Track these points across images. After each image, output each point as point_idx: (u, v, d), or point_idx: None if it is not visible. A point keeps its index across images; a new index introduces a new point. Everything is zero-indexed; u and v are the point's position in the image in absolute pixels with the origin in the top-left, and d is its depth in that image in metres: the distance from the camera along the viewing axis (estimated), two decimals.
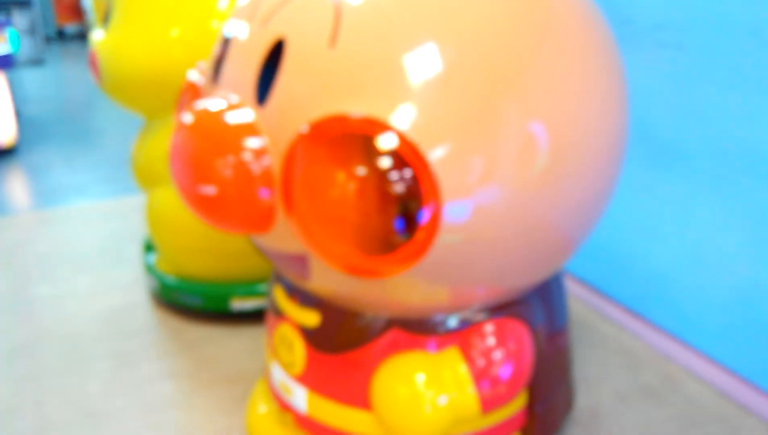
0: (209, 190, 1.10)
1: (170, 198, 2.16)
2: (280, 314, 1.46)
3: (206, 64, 1.39)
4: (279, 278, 1.49)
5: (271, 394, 1.59)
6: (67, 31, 8.79)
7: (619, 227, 2.14)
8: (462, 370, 1.25)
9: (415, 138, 0.95)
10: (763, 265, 1.72)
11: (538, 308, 1.40)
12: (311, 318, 1.37)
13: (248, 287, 2.19)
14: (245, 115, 1.12)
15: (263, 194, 1.09)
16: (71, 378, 2.00)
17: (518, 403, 1.43)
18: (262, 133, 1.09)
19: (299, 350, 1.40)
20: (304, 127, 1.01)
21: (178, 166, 1.18)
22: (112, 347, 2.15)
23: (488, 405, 1.27)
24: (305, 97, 1.04)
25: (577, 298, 2.42)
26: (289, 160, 1.04)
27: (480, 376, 1.25)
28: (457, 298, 1.22)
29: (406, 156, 0.97)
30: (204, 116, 1.15)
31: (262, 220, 1.13)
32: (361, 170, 1.05)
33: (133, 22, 2.03)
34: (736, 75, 1.69)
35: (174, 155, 1.19)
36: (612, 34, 1.27)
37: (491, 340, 1.28)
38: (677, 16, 1.83)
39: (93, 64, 2.12)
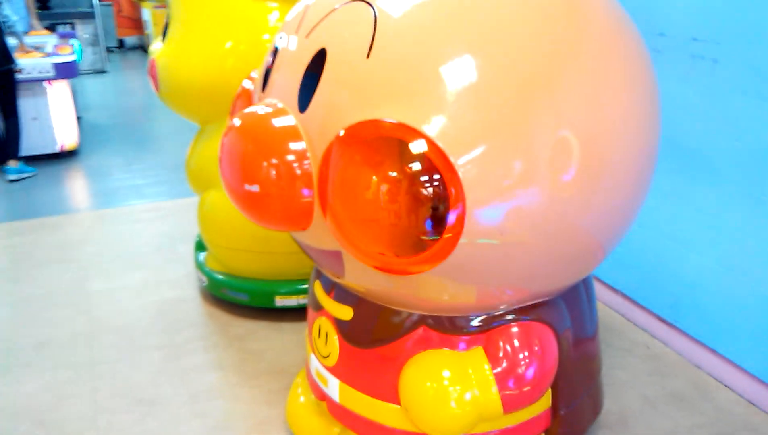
0: (254, 188, 1.20)
1: (220, 200, 2.29)
2: (318, 308, 1.55)
3: (258, 73, 1.49)
4: (319, 274, 1.58)
5: (309, 383, 1.68)
6: (128, 43, 9.20)
7: (649, 235, 2.17)
8: (486, 369, 1.30)
9: (443, 144, 1.03)
10: None
11: (565, 313, 1.44)
12: (345, 312, 1.45)
13: (291, 285, 2.30)
14: (288, 120, 1.21)
15: (303, 194, 1.18)
16: (123, 367, 2.13)
17: (543, 405, 1.47)
18: (304, 137, 1.18)
19: (334, 342, 1.48)
20: (339, 131, 1.10)
21: (226, 166, 1.28)
22: (163, 339, 2.28)
23: (510, 405, 1.33)
24: (342, 104, 1.13)
25: (607, 304, 2.45)
26: (325, 161, 1.13)
27: (503, 376, 1.31)
28: (484, 298, 1.29)
29: (434, 161, 1.04)
30: (251, 120, 1.25)
31: (302, 218, 1.22)
32: (394, 173, 1.11)
33: (190, 35, 2.16)
34: None
35: (222, 155, 1.29)
36: (645, 47, 1.31)
37: (516, 342, 1.33)
38: (711, 30, 1.86)
39: (152, 73, 2.26)
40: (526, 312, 1.36)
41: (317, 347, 1.54)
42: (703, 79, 1.91)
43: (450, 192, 1.05)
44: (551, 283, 1.34)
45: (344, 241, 1.14)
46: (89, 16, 7.92)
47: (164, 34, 2.28)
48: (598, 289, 2.46)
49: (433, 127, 1.04)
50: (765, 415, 1.86)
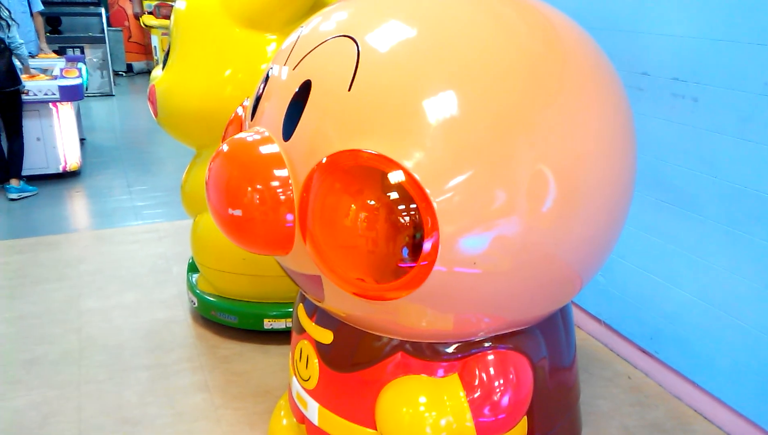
0: (237, 212, 1.24)
1: (213, 223, 2.31)
2: (301, 331, 1.57)
3: (249, 101, 1.54)
4: (303, 297, 1.61)
5: (290, 406, 1.70)
6: (136, 67, 9.37)
7: (632, 268, 2.21)
8: (461, 397, 1.32)
9: (419, 175, 1.07)
10: None
11: (541, 342, 1.46)
12: (326, 336, 1.48)
13: (280, 308, 2.33)
14: (272, 147, 1.25)
15: (285, 219, 1.22)
16: (111, 386, 2.16)
17: (518, 433, 1.46)
18: (287, 165, 1.23)
19: (314, 365, 1.51)
20: (321, 159, 1.14)
21: (212, 190, 1.32)
22: (151, 359, 2.31)
23: (484, 433, 1.34)
24: (324, 133, 1.18)
25: (591, 334, 2.47)
26: (306, 188, 1.17)
27: (478, 404, 1.33)
28: (461, 325, 1.31)
29: (410, 191, 1.08)
30: (237, 146, 1.30)
31: (283, 242, 1.26)
32: (372, 202, 1.15)
33: (189, 63, 2.23)
34: (748, 126, 1.76)
35: (209, 180, 1.33)
36: (621, 84, 1.36)
37: (491, 370, 1.35)
38: (692, 70, 1.92)
39: (151, 99, 2.33)
40: (502, 340, 1.38)
41: (298, 370, 1.57)
42: (683, 117, 1.96)
43: (425, 221, 1.08)
44: (528, 312, 1.36)
45: (322, 266, 1.18)
46: (99, 40, 8.08)
47: (165, 61, 2.35)
48: (583, 319, 2.49)
49: (410, 158, 1.09)
50: None
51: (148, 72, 9.52)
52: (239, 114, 1.59)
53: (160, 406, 2.05)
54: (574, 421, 1.67)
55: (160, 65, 2.39)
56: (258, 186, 1.23)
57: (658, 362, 2.16)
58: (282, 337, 2.36)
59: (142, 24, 9.08)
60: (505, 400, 1.34)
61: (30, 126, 4.28)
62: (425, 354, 1.38)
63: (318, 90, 1.21)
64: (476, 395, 1.33)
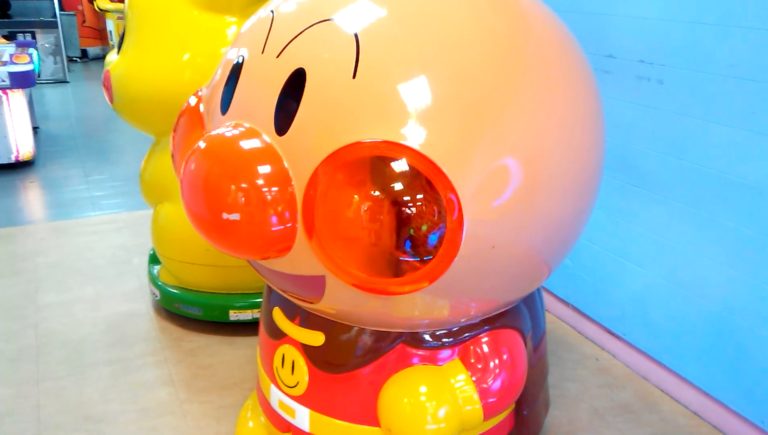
0: (233, 216, 1.13)
1: (174, 213, 2.27)
2: (279, 336, 1.49)
3: (209, 92, 1.42)
4: (277, 301, 1.51)
5: (267, 415, 1.61)
6: (91, 53, 9.07)
7: (599, 251, 2.22)
8: (466, 380, 1.32)
9: (444, 163, 1.04)
10: (736, 290, 1.78)
11: (526, 317, 1.48)
12: (315, 338, 1.41)
13: (246, 299, 2.28)
14: (266, 143, 1.15)
15: (286, 218, 1.13)
16: (71, 383, 2.08)
17: (506, 410, 1.49)
18: (285, 161, 1.13)
19: (302, 370, 1.43)
20: (329, 152, 1.06)
21: (195, 194, 1.19)
22: (114, 354, 2.24)
23: (490, 411, 1.35)
24: (329, 125, 1.10)
25: (558, 317, 2.49)
26: (313, 184, 1.09)
27: (483, 384, 1.33)
28: (457, 312, 1.30)
29: (438, 180, 1.04)
30: (224, 144, 1.18)
31: (282, 244, 1.17)
32: (377, 194, 1.10)
33: (145, 47, 2.15)
34: (714, 108, 1.77)
35: (189, 183, 1.20)
36: (590, 67, 1.34)
37: (491, 350, 1.36)
38: (658, 52, 1.92)
39: (106, 85, 2.24)
40: (494, 320, 1.39)
41: (281, 377, 1.48)
42: (649, 99, 1.97)
43: (451, 209, 1.05)
44: (519, 292, 1.38)
45: (331, 264, 1.12)
46: (52, 25, 7.81)
47: (119, 45, 2.27)
48: (551, 302, 2.50)
49: (434, 146, 1.05)
50: (709, 427, 1.91)
51: (104, 58, 9.26)
52: (191, 104, 1.45)
53: (123, 402, 1.99)
54: (546, 395, 1.72)
55: (116, 50, 2.30)
56: (257, 186, 1.12)
57: (625, 344, 2.18)
58: (248, 328, 2.31)
59: (96, 8, 8.78)
60: (507, 377, 1.36)
61: None
62: (424, 343, 1.36)
63: (315, 80, 1.12)
64: (480, 376, 1.34)
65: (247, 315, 2.28)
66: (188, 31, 2.11)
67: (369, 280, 1.12)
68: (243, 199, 1.12)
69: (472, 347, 1.36)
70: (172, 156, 1.49)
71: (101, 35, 9.43)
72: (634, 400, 2.02)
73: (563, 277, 2.40)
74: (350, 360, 1.39)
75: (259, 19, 1.32)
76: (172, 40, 2.12)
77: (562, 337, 2.35)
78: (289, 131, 1.13)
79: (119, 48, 2.26)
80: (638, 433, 1.88)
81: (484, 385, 1.33)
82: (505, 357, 1.37)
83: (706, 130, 1.81)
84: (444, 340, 1.36)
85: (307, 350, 1.42)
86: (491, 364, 1.35)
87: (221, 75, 1.36)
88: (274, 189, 1.12)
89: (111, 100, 2.25)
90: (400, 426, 1.32)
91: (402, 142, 1.05)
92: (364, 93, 1.09)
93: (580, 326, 2.38)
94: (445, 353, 1.36)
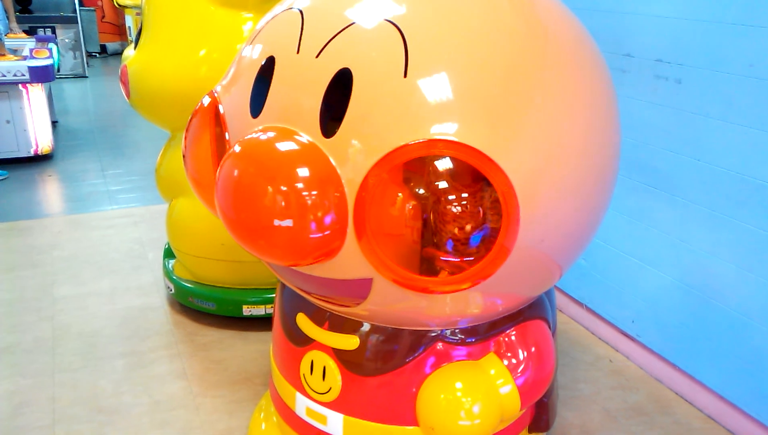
0: (286, 223, 1.09)
1: (189, 208, 2.28)
2: (305, 342, 1.46)
3: (229, 92, 1.35)
4: (298, 306, 1.48)
5: (290, 424, 1.57)
6: (110, 48, 9.15)
7: (614, 252, 2.20)
8: (502, 372, 1.34)
9: (504, 163, 1.04)
10: (753, 293, 1.76)
11: (548, 305, 1.49)
12: (349, 342, 1.39)
13: (259, 294, 2.29)
14: (318, 147, 1.12)
15: (336, 222, 1.10)
16: (86, 375, 2.10)
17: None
18: (334, 164, 1.10)
19: (334, 376, 1.41)
20: (383, 152, 1.05)
21: (240, 201, 1.14)
22: (127, 347, 2.26)
23: (527, 400, 1.37)
24: (382, 125, 1.08)
25: (572, 318, 2.47)
26: (365, 185, 1.07)
27: (517, 374, 1.34)
28: (489, 307, 1.30)
29: (496, 181, 1.04)
30: (274, 150, 1.14)
31: (330, 247, 1.14)
32: (425, 192, 1.11)
33: (162, 42, 2.16)
34: (732, 109, 1.75)
35: (234, 190, 1.15)
36: (606, 66, 1.32)
37: (522, 341, 1.38)
38: (676, 52, 1.90)
39: (123, 80, 2.26)
40: (522, 312, 1.40)
41: (310, 385, 1.45)
42: (666, 99, 1.94)
43: (510, 205, 1.06)
44: (543, 287, 1.39)
45: (383, 266, 1.11)
46: (71, 21, 7.89)
47: (136, 41, 2.28)
48: (564, 303, 2.48)
49: (492, 144, 1.05)
50: (723, 431, 1.88)
51: (122, 53, 9.34)
52: (204, 105, 1.40)
53: (136, 394, 2.01)
54: (556, 378, 1.71)
55: (133, 45, 2.31)
56: (312, 190, 1.09)
57: (639, 345, 2.16)
58: (261, 323, 2.32)
59: (115, 3, 8.86)
60: (540, 365, 1.39)
61: None
62: (459, 340, 1.37)
63: (363, 80, 1.09)
64: (516, 367, 1.35)
65: (260, 310, 2.29)
66: (204, 26, 2.12)
67: (420, 280, 1.11)
68: (297, 204, 1.08)
69: (505, 340, 1.38)
70: (183, 157, 1.47)
71: (120, 31, 9.51)
72: (647, 403, 2.00)
73: (577, 277, 2.39)
74: (386, 362, 1.37)
75: (284, 16, 1.27)
76: (188, 36, 2.12)
77: (576, 338, 2.34)
78: (337, 133, 1.10)
79: (136, 43, 2.27)
80: None
81: (520, 376, 1.35)
82: (535, 347, 1.39)
83: (725, 131, 1.79)
84: (478, 335, 1.37)
85: (340, 354, 1.39)
86: (524, 355, 1.37)
87: (246, 76, 1.30)
88: (327, 193, 1.09)
89: (128, 95, 2.26)
90: (440, 423, 1.32)
91: (459, 140, 1.04)
92: (417, 91, 1.07)
93: (593, 327, 2.36)
94: (480, 348, 1.37)
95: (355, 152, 1.09)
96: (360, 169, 1.08)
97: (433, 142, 1.05)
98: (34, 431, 1.84)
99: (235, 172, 1.15)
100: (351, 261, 1.14)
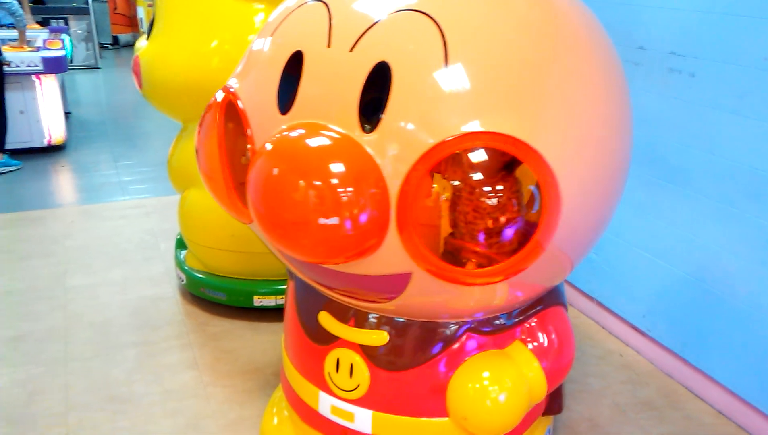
0: (332, 220, 1.07)
1: (201, 199, 2.29)
2: (329, 340, 1.44)
3: (249, 87, 1.31)
4: (320, 305, 1.46)
5: (310, 424, 1.56)
6: (122, 40, 9.19)
7: (625, 246, 2.19)
8: (529, 359, 1.36)
9: (547, 154, 1.04)
10: (765, 288, 1.75)
11: (563, 291, 1.51)
12: (378, 337, 1.38)
13: (270, 285, 2.30)
14: (358, 144, 1.09)
15: (378, 217, 1.09)
16: (98, 363, 2.12)
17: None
18: (375, 159, 1.08)
19: (362, 372, 1.40)
20: (426, 147, 1.04)
21: (281, 201, 1.11)
22: (139, 336, 2.28)
23: (552, 384, 1.39)
24: (424, 119, 1.06)
25: (582, 311, 2.47)
26: (409, 180, 1.05)
27: (543, 360, 1.37)
28: (513, 298, 1.31)
29: (540, 172, 1.04)
30: (315, 148, 1.11)
31: (373, 243, 1.12)
32: (462, 184, 1.10)
33: (174, 33, 2.17)
34: (746, 103, 1.74)
35: (274, 190, 1.12)
36: (618, 59, 1.32)
37: (545, 327, 1.41)
38: (689, 45, 1.88)
39: (136, 70, 2.27)
40: (542, 299, 1.42)
41: (336, 383, 1.44)
42: (679, 92, 1.93)
43: (549, 196, 1.06)
44: (562, 277, 1.40)
45: (423, 261, 1.10)
46: (84, 12, 7.91)
47: (149, 31, 2.29)
48: (575, 296, 2.48)
49: (534, 136, 1.05)
50: (734, 426, 1.88)
51: (134, 45, 9.35)
52: (218, 100, 1.36)
53: (148, 383, 2.02)
54: None
55: (145, 36, 2.32)
56: (358, 187, 1.07)
57: (650, 340, 2.15)
58: (272, 314, 2.33)
59: None
60: (562, 349, 1.42)
61: (13, 99, 4.17)
62: (485, 330, 1.38)
63: (403, 73, 1.08)
64: (541, 352, 1.38)
65: (270, 301, 2.30)
66: (216, 17, 2.12)
67: (458, 272, 1.11)
68: (343, 201, 1.06)
69: (528, 327, 1.40)
70: (197, 151, 1.44)
71: (132, 22, 9.53)
72: (657, 397, 1.99)
73: (588, 271, 2.38)
74: (415, 355, 1.37)
75: (307, 9, 1.24)
76: (200, 27, 2.13)
77: (586, 332, 2.33)
78: (378, 128, 1.08)
79: (149, 34, 2.28)
80: (661, 430, 1.86)
81: (545, 360, 1.37)
82: (557, 332, 1.42)
83: (738, 125, 1.77)
84: (503, 324, 1.39)
85: (367, 351, 1.38)
86: (548, 340, 1.40)
87: (270, 72, 1.26)
88: (369, 188, 1.07)
89: (140, 86, 2.27)
90: (473, 412, 1.33)
91: (504, 132, 1.04)
92: (458, 84, 1.06)
93: (604, 321, 2.36)
94: (506, 336, 1.39)
95: (399, 146, 1.07)
96: (404, 163, 1.06)
97: (479, 135, 1.04)
98: (47, 419, 1.87)
99: (275, 171, 1.11)
100: (391, 256, 1.12)
